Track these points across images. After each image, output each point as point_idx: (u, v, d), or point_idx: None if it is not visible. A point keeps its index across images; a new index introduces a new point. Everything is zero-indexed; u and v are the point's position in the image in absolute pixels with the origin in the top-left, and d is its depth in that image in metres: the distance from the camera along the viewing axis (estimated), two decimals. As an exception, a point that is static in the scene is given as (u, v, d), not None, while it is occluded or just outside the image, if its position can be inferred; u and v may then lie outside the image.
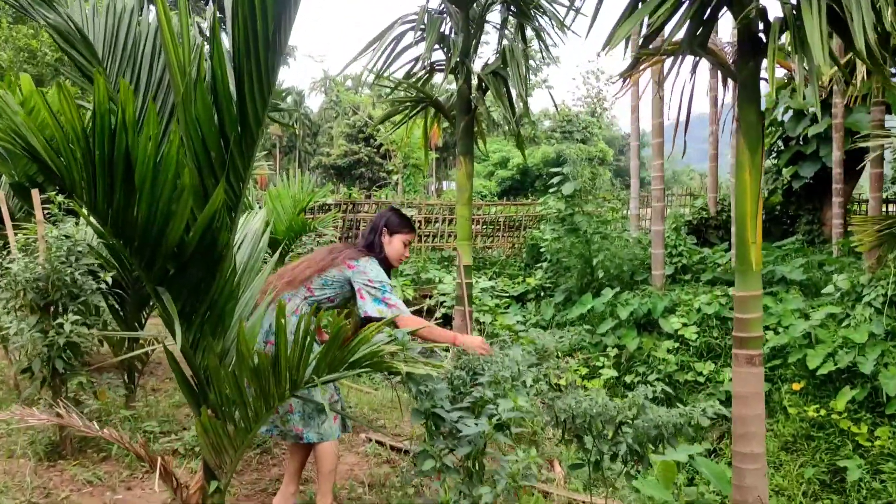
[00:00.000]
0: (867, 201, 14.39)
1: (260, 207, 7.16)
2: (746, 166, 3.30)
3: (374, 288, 3.04)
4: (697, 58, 3.54)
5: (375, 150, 36.31)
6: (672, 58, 3.49)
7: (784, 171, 12.49)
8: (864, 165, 12.64)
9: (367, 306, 3.01)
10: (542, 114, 39.87)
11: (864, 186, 15.47)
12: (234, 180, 2.26)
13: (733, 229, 10.85)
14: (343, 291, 3.14)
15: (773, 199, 12.96)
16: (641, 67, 3.76)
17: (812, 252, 10.86)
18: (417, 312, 8.30)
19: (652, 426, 2.58)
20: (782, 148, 12.49)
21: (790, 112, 12.16)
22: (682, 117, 3.91)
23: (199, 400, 2.27)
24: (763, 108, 3.47)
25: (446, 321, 10.20)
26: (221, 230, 2.11)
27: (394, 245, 3.29)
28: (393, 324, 3.01)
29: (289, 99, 48.02)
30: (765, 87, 3.40)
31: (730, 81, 4.01)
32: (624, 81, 4.04)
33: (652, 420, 2.57)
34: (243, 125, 2.20)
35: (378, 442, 4.42)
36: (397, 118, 6.35)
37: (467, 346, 2.89)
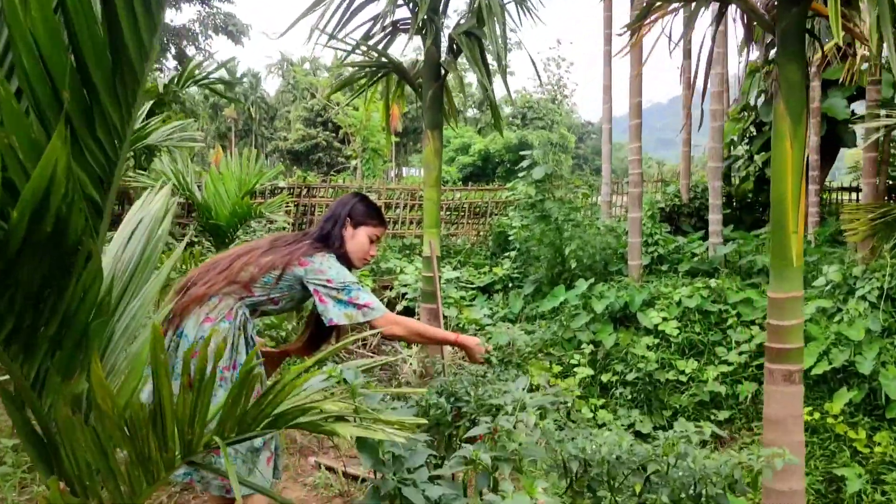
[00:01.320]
0: (837, 189, 14.18)
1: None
2: (787, 136, 2.66)
3: (336, 290, 2.35)
4: (723, 6, 2.89)
5: (333, 134, 35.29)
6: (694, 5, 2.83)
7: (756, 157, 12.08)
8: (838, 153, 12.38)
9: (331, 312, 2.33)
10: (502, 100, 39.29)
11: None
12: (103, 136, 1.50)
13: (710, 217, 10.43)
14: (292, 293, 2.44)
15: (744, 186, 12.56)
16: (652, 17, 3.09)
17: (788, 241, 10.46)
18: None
19: (692, 477, 1.93)
20: (755, 133, 12.09)
21: (763, 97, 11.76)
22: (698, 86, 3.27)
23: (52, 465, 1.53)
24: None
25: (408, 316, 9.48)
26: (73, 209, 1.36)
27: (358, 239, 2.57)
28: (368, 330, 2.41)
29: (244, 80, 46.62)
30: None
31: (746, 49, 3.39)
32: (631, 36, 3.37)
33: (693, 470, 1.91)
34: (116, 53, 1.45)
35: (329, 468, 3.71)
36: (347, 98, 5.57)
37: (467, 347, 2.48)
